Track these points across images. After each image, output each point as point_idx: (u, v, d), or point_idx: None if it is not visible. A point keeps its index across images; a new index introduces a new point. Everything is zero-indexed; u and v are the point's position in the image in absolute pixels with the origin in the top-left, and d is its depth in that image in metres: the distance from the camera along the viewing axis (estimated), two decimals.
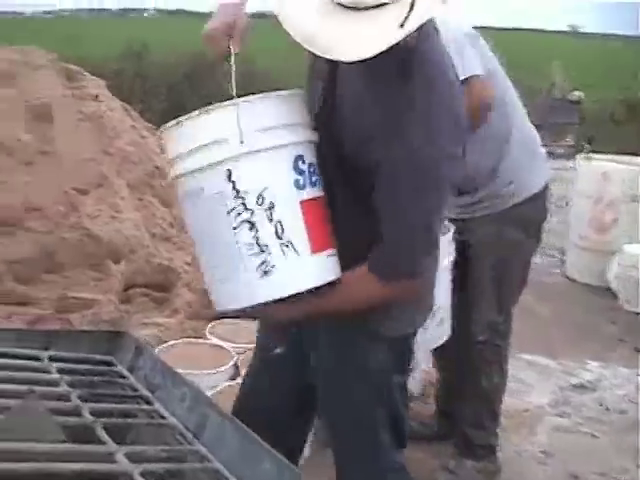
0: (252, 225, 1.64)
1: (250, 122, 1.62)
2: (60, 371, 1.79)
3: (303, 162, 1.69)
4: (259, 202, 1.63)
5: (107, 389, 1.79)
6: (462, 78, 2.51)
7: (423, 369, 3.65)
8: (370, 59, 1.48)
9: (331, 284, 1.74)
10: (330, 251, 1.74)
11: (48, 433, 1.43)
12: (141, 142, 4.71)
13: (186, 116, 1.67)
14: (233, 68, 1.67)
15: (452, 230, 2.83)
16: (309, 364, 2.01)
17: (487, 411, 3.02)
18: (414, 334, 2.01)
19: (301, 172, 1.68)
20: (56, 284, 3.83)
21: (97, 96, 4.64)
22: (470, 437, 3.02)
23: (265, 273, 1.66)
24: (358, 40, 1.48)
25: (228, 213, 1.65)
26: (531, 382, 4.16)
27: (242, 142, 1.61)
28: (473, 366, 2.99)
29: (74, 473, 1.38)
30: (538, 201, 2.94)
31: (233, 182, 1.63)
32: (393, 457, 2.03)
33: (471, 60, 2.62)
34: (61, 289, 3.80)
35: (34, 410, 1.46)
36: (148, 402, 1.78)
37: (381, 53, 1.48)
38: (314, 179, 1.72)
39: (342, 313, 1.82)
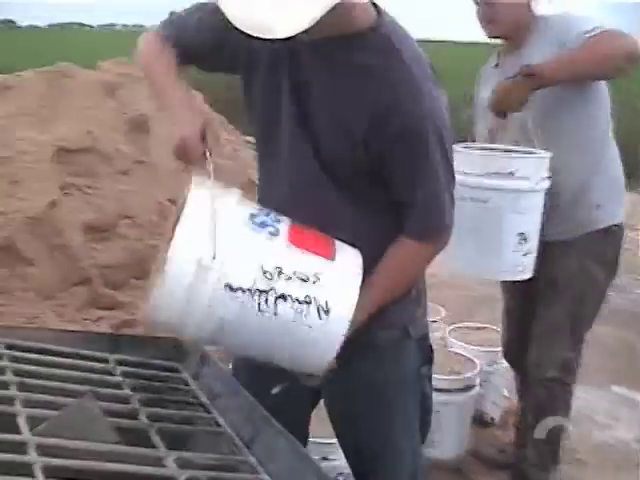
0: (283, 297, 1.60)
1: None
2: (124, 374, 1.83)
3: (255, 216, 1.65)
4: (269, 277, 1.59)
5: (168, 395, 1.82)
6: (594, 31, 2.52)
7: (505, 395, 3.58)
8: (329, 50, 1.63)
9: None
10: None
11: (99, 433, 1.46)
12: (236, 155, 4.80)
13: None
14: (211, 168, 1.67)
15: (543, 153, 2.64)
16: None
17: (550, 452, 2.90)
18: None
19: (263, 224, 1.64)
20: (144, 290, 3.93)
21: None
22: (529, 476, 2.91)
23: (326, 313, 1.63)
24: (288, 15, 1.48)
25: (260, 311, 1.60)
26: (618, 415, 4.01)
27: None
28: (540, 405, 2.85)
29: (121, 474, 1.41)
30: (618, 233, 2.83)
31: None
32: (422, 457, 2.07)
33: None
34: None
35: (88, 410, 1.50)
36: (207, 410, 1.80)
37: (343, 41, 1.64)
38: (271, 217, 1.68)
39: (397, 292, 1.86)
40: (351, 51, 1.71)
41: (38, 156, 3.76)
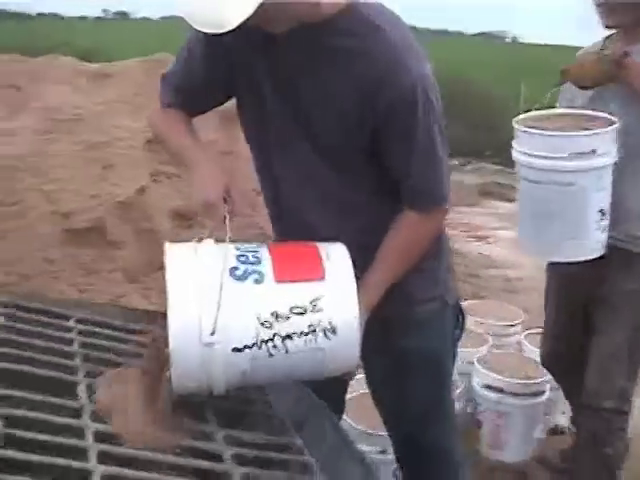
0: (289, 336, 1.60)
1: None
2: None
3: (236, 269, 1.61)
4: (269, 325, 1.59)
5: None
6: None
7: None
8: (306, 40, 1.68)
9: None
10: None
11: None
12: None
13: None
14: (228, 234, 1.65)
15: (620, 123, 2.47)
16: None
17: (608, 477, 2.78)
18: None
19: (245, 274, 1.61)
20: None
21: None
22: None
23: (333, 332, 1.63)
24: (233, 2, 1.51)
25: (272, 355, 1.61)
26: None
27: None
28: (596, 435, 2.74)
29: (174, 446, 1.48)
30: None
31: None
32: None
33: None
34: None
35: None
36: (263, 392, 1.86)
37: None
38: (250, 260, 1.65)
39: (405, 266, 1.88)
40: (328, 37, 1.72)
41: (131, 143, 3.90)
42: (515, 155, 2.53)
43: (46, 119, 3.78)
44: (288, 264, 1.65)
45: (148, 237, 3.81)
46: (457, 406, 3.02)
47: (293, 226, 1.90)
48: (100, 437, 1.41)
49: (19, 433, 1.31)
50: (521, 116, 2.59)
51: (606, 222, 2.49)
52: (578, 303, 2.79)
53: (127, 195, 3.74)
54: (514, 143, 2.54)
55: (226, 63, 1.83)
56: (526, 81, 12.83)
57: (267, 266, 1.61)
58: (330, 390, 1.90)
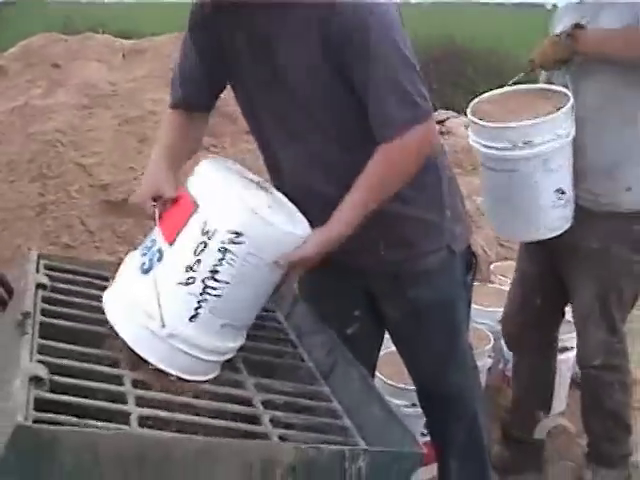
0: (213, 272, 1.62)
1: None
2: None
3: (143, 264, 1.69)
4: (192, 280, 1.62)
5: (260, 331, 1.98)
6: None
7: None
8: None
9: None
10: None
11: None
12: None
13: None
14: (155, 224, 1.73)
15: (571, 98, 2.47)
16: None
17: (617, 425, 2.82)
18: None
19: (151, 264, 1.67)
20: None
21: None
22: (602, 450, 2.85)
23: (238, 235, 1.63)
24: None
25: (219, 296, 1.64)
26: None
27: None
28: (592, 392, 2.79)
29: (201, 390, 1.58)
30: None
31: None
32: (471, 356, 2.27)
33: None
34: None
35: None
36: (294, 345, 1.95)
37: None
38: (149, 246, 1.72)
39: (383, 196, 1.85)
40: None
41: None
42: (470, 142, 2.57)
43: (83, 95, 3.89)
44: (170, 223, 1.69)
45: None
46: (488, 363, 3.10)
47: (292, 190, 1.94)
48: (136, 384, 1.52)
49: (63, 380, 1.42)
50: (484, 95, 2.61)
51: (569, 196, 2.50)
52: (542, 254, 2.75)
53: None
54: (469, 130, 2.59)
55: (212, 45, 1.93)
56: None
57: (159, 240, 1.68)
58: (362, 348, 2.03)
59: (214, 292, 1.61)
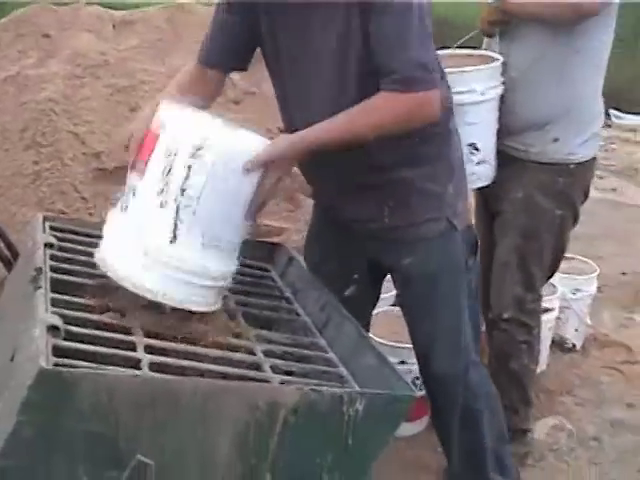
0: (183, 190, 1.68)
1: None
2: None
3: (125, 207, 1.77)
4: (165, 202, 1.67)
5: (257, 288, 2.07)
6: None
7: (587, 323, 3.69)
8: None
9: None
10: None
11: None
12: None
13: None
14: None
15: (500, 61, 2.60)
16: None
17: (519, 395, 2.78)
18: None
19: (126, 203, 1.76)
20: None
21: None
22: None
23: (198, 148, 1.66)
24: None
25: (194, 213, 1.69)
26: None
27: None
28: (501, 349, 2.77)
29: (210, 342, 1.67)
30: (579, 171, 2.68)
31: None
32: (473, 350, 2.21)
33: None
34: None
35: None
36: (289, 302, 2.05)
37: None
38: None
39: (354, 132, 1.87)
40: None
41: (156, 86, 4.02)
42: None
43: (75, 65, 3.91)
44: (139, 163, 1.73)
45: None
46: None
47: (309, 166, 2.04)
48: (146, 333, 1.61)
49: (75, 329, 1.51)
50: None
51: (482, 155, 2.58)
52: (487, 217, 2.84)
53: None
54: None
55: (247, 8, 2.00)
56: None
57: (133, 179, 1.74)
58: (358, 308, 2.07)
59: (187, 210, 1.65)
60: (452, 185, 2.11)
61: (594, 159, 2.75)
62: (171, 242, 1.66)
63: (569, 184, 2.67)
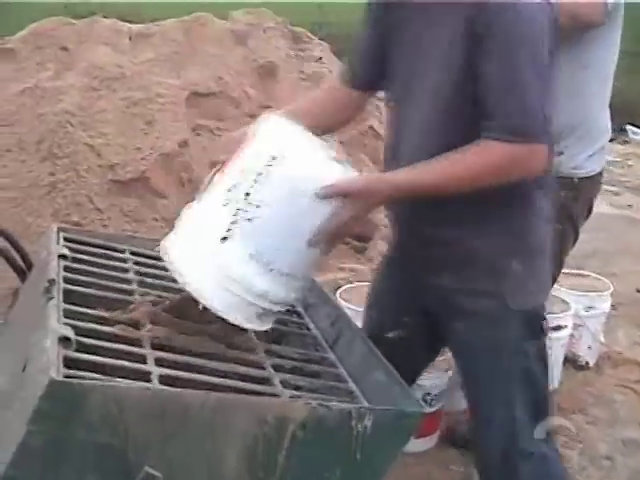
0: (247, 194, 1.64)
1: None
2: None
3: None
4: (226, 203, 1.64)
5: None
6: None
7: (601, 341, 3.67)
8: None
9: None
10: None
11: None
12: None
13: None
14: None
15: None
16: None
17: None
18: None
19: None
20: None
21: (320, 58, 4.97)
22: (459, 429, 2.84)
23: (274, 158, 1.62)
24: None
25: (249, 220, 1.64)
26: None
27: None
28: None
29: (213, 353, 1.67)
30: (581, 189, 2.63)
31: None
32: (530, 439, 1.94)
33: None
34: None
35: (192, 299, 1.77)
36: (300, 316, 2.05)
37: None
38: None
39: (451, 182, 1.74)
40: None
41: (172, 99, 4.07)
42: None
43: (92, 77, 3.96)
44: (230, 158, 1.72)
45: (190, 187, 4.01)
46: None
47: None
48: (156, 346, 1.62)
49: (87, 341, 1.51)
50: None
51: None
52: None
53: (169, 148, 3.92)
54: None
55: (383, 25, 1.95)
56: None
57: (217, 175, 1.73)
58: (405, 360, 1.86)
59: (245, 214, 1.61)
60: (518, 262, 1.88)
61: (600, 174, 2.73)
62: (221, 241, 1.62)
63: (572, 198, 2.64)
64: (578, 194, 2.65)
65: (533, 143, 1.72)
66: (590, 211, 2.75)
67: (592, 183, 2.70)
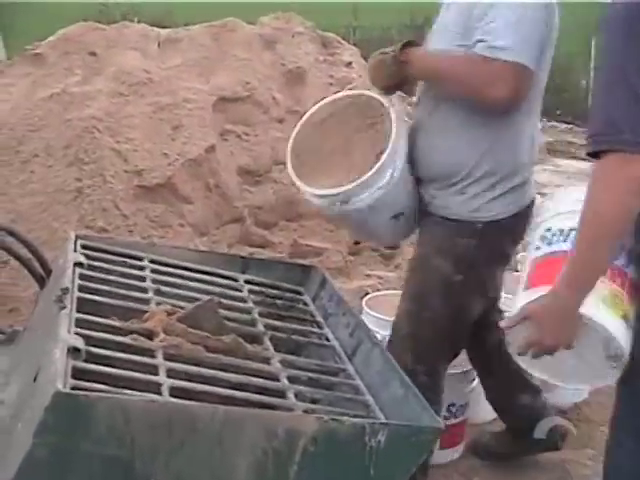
0: None
1: None
2: (250, 291, 2.08)
3: None
4: None
5: (288, 312, 2.05)
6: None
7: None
8: None
9: None
10: None
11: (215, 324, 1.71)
12: None
13: None
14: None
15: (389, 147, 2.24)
16: None
17: None
18: None
19: None
20: (293, 231, 4.23)
21: (350, 63, 4.93)
22: None
23: None
24: None
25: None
26: None
27: None
28: None
29: (228, 364, 1.65)
30: (485, 236, 2.26)
31: None
32: None
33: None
34: (297, 236, 4.18)
35: (208, 307, 1.75)
36: (320, 326, 2.02)
37: None
38: None
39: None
40: None
41: (200, 104, 4.06)
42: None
43: (119, 83, 3.97)
44: None
45: (216, 193, 4.00)
46: None
47: None
48: (168, 356, 1.59)
49: (98, 351, 1.50)
50: (310, 112, 2.45)
51: (407, 214, 2.35)
52: None
53: (196, 153, 3.92)
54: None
55: None
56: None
57: None
58: None
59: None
60: None
61: (515, 216, 2.29)
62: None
63: (473, 246, 2.26)
64: (481, 242, 2.26)
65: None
66: (507, 261, 2.41)
67: (501, 229, 2.28)
